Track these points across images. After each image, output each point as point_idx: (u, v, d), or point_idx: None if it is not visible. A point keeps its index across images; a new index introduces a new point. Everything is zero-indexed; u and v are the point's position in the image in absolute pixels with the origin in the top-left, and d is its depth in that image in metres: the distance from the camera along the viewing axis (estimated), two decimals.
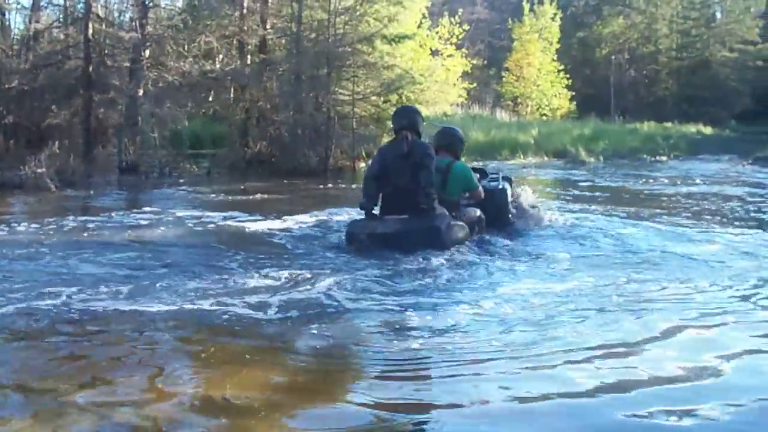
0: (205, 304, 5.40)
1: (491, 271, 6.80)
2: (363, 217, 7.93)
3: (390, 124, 15.52)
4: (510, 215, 9.13)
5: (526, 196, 9.97)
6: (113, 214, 10.32)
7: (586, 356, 4.46)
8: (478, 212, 8.53)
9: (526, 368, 4.27)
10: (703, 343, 4.79)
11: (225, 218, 10.05)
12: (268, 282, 6.15)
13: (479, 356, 4.48)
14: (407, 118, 8.17)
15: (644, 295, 5.92)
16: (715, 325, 5.17)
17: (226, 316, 5.16)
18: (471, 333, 4.94)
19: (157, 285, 5.95)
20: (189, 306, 5.38)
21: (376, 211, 7.95)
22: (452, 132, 9.14)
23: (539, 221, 9.57)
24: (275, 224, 9.49)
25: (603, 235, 9.05)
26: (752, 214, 11.81)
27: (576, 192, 15.27)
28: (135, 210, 10.82)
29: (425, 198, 7.68)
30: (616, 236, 8.93)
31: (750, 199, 13.92)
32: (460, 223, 8.05)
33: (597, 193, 15.09)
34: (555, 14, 47.30)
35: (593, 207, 12.00)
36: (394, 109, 20.23)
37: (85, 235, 8.50)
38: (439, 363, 4.40)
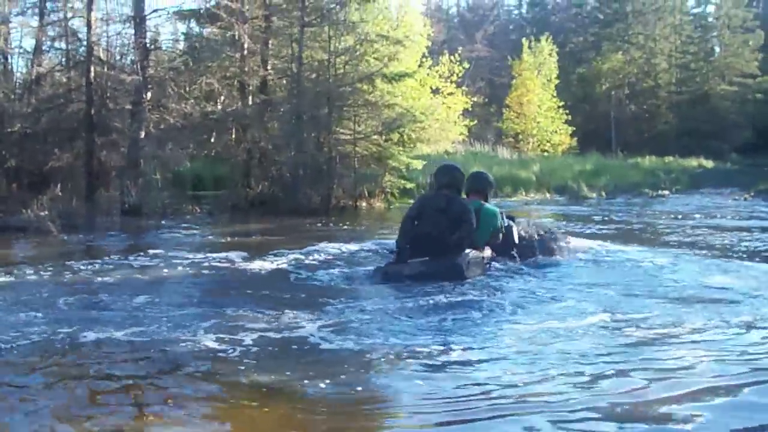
0: (211, 344, 5.39)
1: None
2: (392, 262, 8.73)
3: (391, 162, 15.76)
4: (514, 251, 9.44)
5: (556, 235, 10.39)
6: (115, 257, 10.30)
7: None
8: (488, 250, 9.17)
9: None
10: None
11: (226, 259, 10.01)
12: (267, 322, 6.13)
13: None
14: (448, 176, 9.20)
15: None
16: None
17: (234, 354, 5.15)
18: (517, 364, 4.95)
19: (158, 327, 5.93)
20: (195, 346, 5.36)
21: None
22: (483, 176, 9.91)
23: (567, 252, 10.02)
24: (274, 263, 9.51)
25: (635, 266, 9.29)
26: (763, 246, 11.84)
27: (581, 228, 15.23)
28: (137, 252, 10.79)
29: (457, 249, 8.50)
30: (648, 269, 9.11)
31: (758, 234, 13.90)
32: (479, 257, 8.74)
33: (602, 228, 15.08)
34: (551, 50, 47.60)
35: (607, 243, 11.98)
36: (394, 148, 20.61)
37: (87, 278, 8.47)
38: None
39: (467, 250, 8.60)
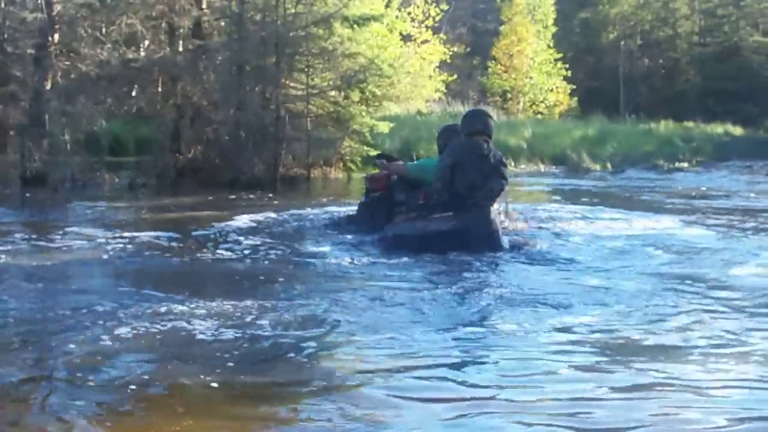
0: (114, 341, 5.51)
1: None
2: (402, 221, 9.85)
3: (352, 124, 15.89)
4: None
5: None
6: (12, 237, 10.30)
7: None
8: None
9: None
10: None
11: (149, 240, 10.10)
12: (216, 317, 6.25)
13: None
14: (482, 122, 10.02)
15: None
16: None
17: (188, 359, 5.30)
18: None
19: (56, 323, 6.06)
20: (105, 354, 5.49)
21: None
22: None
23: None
24: (206, 245, 9.70)
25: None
26: None
27: (583, 209, 15.14)
28: (39, 231, 10.82)
29: (490, 194, 9.56)
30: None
31: None
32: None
33: (599, 204, 15.13)
34: None
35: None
36: (356, 107, 20.67)
37: None
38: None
39: (495, 207, 9.71)
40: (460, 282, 7.68)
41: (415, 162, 11.81)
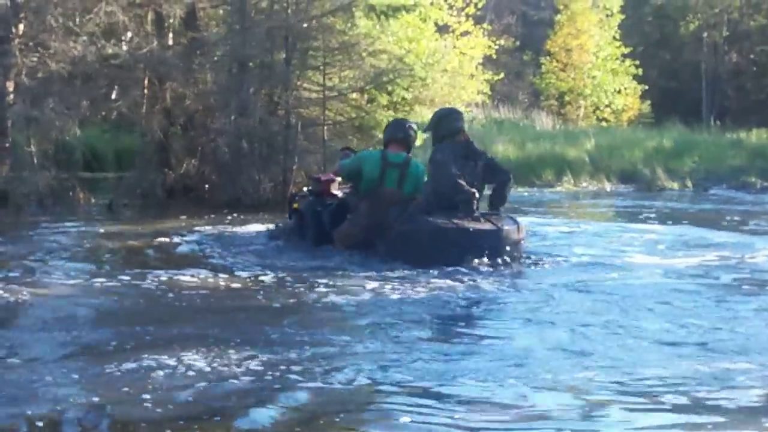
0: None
1: None
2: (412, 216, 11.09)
3: (377, 133, 16.28)
4: None
5: None
6: None
7: None
8: None
9: None
10: None
11: (137, 276, 10.10)
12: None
13: None
14: (460, 122, 11.93)
15: None
16: None
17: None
18: None
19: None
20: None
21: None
22: (407, 124, 12.31)
23: None
24: (199, 280, 9.74)
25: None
26: None
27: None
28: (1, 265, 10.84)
29: (501, 199, 11.65)
30: None
31: None
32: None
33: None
34: None
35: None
36: (382, 112, 20.67)
37: None
38: None
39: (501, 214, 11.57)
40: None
41: (348, 159, 12.74)
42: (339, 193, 12.46)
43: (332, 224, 11.85)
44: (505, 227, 10.97)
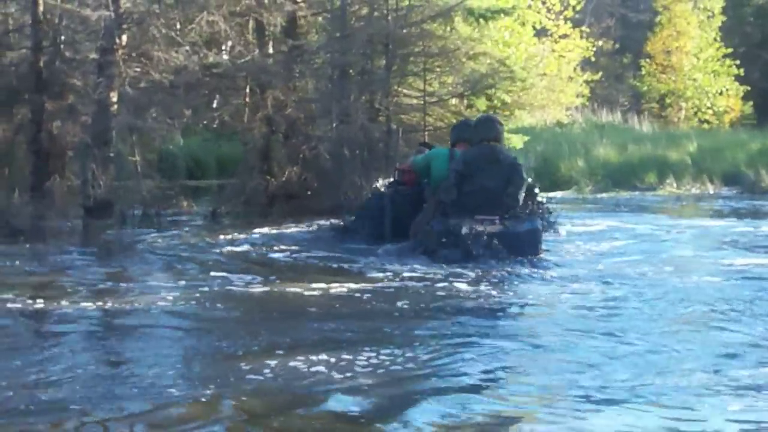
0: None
1: None
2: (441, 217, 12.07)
3: None
4: None
5: None
6: (77, 285, 10.26)
7: None
8: None
9: None
10: None
11: (247, 284, 10.11)
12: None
13: None
14: (493, 128, 12.73)
15: None
16: None
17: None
18: None
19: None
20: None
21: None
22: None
23: None
24: (316, 290, 9.67)
25: None
26: None
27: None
28: (107, 274, 10.88)
29: (511, 200, 12.14)
30: None
31: None
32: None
33: None
34: None
35: None
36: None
37: (32, 324, 8.38)
38: None
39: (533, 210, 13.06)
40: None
41: (422, 155, 14.19)
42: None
43: (409, 213, 13.08)
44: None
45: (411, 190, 13.80)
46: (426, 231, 12.11)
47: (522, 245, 11.64)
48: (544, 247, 12.40)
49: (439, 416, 5.45)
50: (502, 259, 11.36)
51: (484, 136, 12.62)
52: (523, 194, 12.44)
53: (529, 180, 14.00)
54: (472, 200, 11.97)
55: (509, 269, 11.07)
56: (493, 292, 9.74)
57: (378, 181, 17.45)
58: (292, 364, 6.62)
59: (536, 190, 15.09)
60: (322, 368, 6.44)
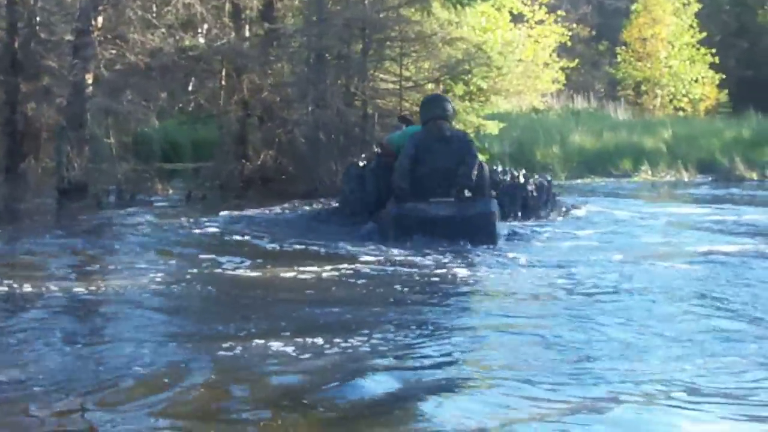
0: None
1: None
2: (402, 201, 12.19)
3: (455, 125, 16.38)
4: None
5: None
6: (50, 265, 10.34)
7: None
8: None
9: None
10: None
11: (217, 266, 10.10)
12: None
13: None
14: (441, 107, 13.13)
15: None
16: None
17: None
18: None
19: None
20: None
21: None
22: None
23: None
24: (291, 273, 9.67)
25: None
26: None
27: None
28: (82, 256, 10.87)
29: (465, 179, 12.26)
30: None
31: None
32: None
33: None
34: None
35: None
36: (459, 103, 20.54)
37: (4, 306, 8.32)
38: None
39: (491, 192, 12.85)
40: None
41: (399, 132, 14.61)
42: None
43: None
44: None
45: (393, 162, 13.48)
46: (382, 214, 12.54)
47: (474, 229, 11.72)
48: (520, 232, 12.79)
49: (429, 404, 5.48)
50: (454, 243, 11.48)
51: (431, 116, 12.93)
52: (476, 172, 12.44)
53: (548, 177, 15.60)
54: (427, 182, 12.29)
55: (487, 255, 11.09)
56: (459, 278, 9.73)
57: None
58: (258, 344, 6.66)
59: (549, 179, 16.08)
60: (291, 350, 6.45)
